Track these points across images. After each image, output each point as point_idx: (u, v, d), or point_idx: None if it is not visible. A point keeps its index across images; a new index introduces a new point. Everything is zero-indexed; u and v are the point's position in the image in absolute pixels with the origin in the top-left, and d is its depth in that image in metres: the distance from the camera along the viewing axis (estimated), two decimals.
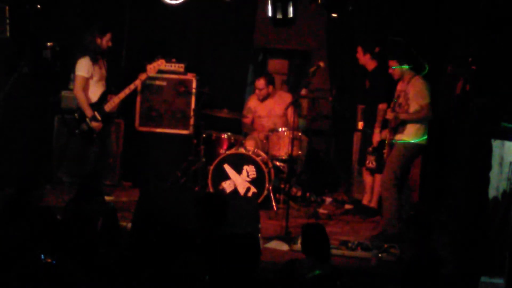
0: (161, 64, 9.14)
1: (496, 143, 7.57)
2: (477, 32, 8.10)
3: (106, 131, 8.89)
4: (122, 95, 8.82)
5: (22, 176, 7.62)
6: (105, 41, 8.74)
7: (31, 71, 9.45)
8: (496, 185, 7.52)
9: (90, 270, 5.05)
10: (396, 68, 8.36)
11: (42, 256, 4.93)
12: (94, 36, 8.70)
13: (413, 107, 8.25)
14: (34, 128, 9.80)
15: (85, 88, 8.70)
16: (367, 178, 9.39)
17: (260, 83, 9.98)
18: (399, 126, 8.35)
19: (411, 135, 8.31)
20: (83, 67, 8.65)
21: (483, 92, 7.97)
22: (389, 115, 8.40)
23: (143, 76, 9.00)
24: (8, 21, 9.08)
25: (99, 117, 8.71)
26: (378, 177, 9.23)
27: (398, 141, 8.35)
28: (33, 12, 9.41)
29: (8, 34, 9.14)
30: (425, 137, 8.35)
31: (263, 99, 10.03)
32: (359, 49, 9.27)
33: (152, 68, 9.03)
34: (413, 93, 8.23)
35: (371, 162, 9.10)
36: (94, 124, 8.69)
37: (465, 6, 8.45)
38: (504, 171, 7.45)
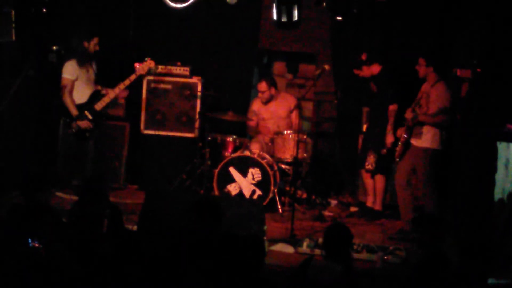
0: (150, 64, 9.36)
1: (501, 145, 7.57)
2: (481, 34, 8.09)
3: (95, 131, 9.04)
4: (112, 94, 9.03)
5: (28, 178, 7.61)
6: (92, 45, 8.93)
7: (37, 74, 9.47)
8: (501, 187, 7.52)
9: (91, 270, 5.07)
10: (422, 66, 8.44)
11: (30, 241, 4.95)
12: (81, 40, 8.89)
13: (432, 110, 8.33)
14: (39, 131, 9.82)
15: (71, 90, 8.90)
16: (368, 180, 9.39)
17: (262, 86, 10.00)
18: (415, 126, 8.41)
19: (429, 141, 8.37)
20: (68, 69, 8.90)
21: (488, 94, 7.96)
22: (408, 115, 8.47)
23: (132, 77, 9.14)
24: (13, 24, 9.10)
25: (90, 116, 8.87)
26: (378, 178, 9.26)
27: (417, 146, 8.41)
28: (39, 15, 9.43)
29: (13, 37, 9.16)
30: (441, 142, 8.42)
31: (266, 102, 10.04)
32: (355, 72, 9.36)
33: (140, 68, 9.19)
34: (435, 97, 8.35)
35: (370, 164, 9.11)
36: (80, 123, 8.88)
37: (470, 8, 8.44)
38: (510, 173, 7.46)
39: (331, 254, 5.46)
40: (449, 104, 8.36)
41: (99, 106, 9.00)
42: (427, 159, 8.45)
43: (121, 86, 9.05)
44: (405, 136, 8.51)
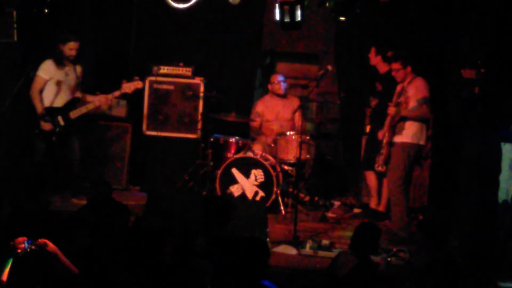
0: (138, 84, 9.12)
1: (506, 146, 7.54)
2: (486, 35, 8.06)
3: (69, 138, 8.90)
4: (91, 106, 8.92)
5: (30, 180, 7.60)
6: (66, 49, 8.76)
7: None
8: (506, 188, 7.49)
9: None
10: (400, 70, 8.39)
11: (26, 244, 4.94)
12: (58, 43, 8.78)
13: (412, 105, 8.29)
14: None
15: (41, 89, 8.74)
16: (372, 181, 9.33)
17: (281, 76, 10.11)
18: (397, 125, 8.38)
19: (410, 136, 8.34)
20: (43, 68, 8.76)
21: (493, 95, 7.93)
22: (392, 110, 8.42)
23: (116, 93, 9.01)
24: (15, 25, 9.08)
25: (62, 122, 8.74)
26: (385, 180, 9.20)
27: (398, 141, 8.38)
28: (41, 16, 9.40)
29: (15, 38, 9.14)
30: (424, 137, 8.39)
31: (284, 94, 10.04)
32: (372, 50, 9.27)
33: (127, 87, 9.02)
34: (413, 92, 8.34)
35: (380, 165, 9.02)
36: (43, 124, 8.72)
37: (475, 9, 8.41)
38: None
39: (352, 247, 5.94)
40: (428, 97, 8.31)
41: (74, 114, 8.84)
42: (405, 153, 8.38)
43: (103, 99, 8.94)
44: (389, 136, 8.46)
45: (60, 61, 8.76)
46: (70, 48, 8.76)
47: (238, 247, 4.87)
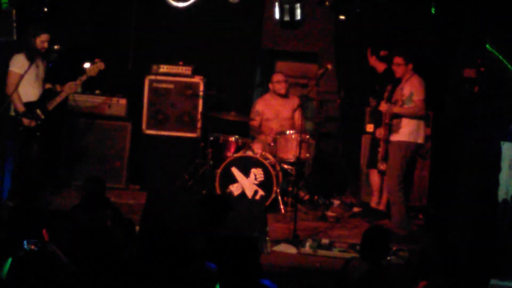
0: (100, 66, 8.94)
1: (505, 145, 7.54)
2: (486, 34, 8.06)
3: (47, 131, 8.82)
4: (63, 94, 8.82)
5: (29, 180, 7.61)
6: (39, 41, 8.61)
7: None
8: (505, 187, 7.49)
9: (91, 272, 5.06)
10: (401, 65, 8.40)
11: (25, 243, 4.94)
12: (29, 36, 8.64)
13: (406, 102, 8.30)
14: None
15: (17, 85, 8.51)
16: (375, 179, 9.31)
17: (280, 75, 10.11)
18: (393, 123, 8.37)
19: (406, 135, 8.34)
20: (17, 63, 8.58)
21: (492, 94, 7.94)
22: (383, 107, 8.44)
23: (83, 77, 8.90)
24: (15, 24, 9.06)
25: (42, 116, 8.65)
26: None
27: (394, 140, 8.39)
28: (40, 15, 9.39)
29: (15, 37, 9.13)
30: (421, 136, 8.39)
31: (284, 94, 10.02)
32: (368, 50, 9.29)
33: (91, 70, 8.93)
34: (408, 90, 8.33)
35: (381, 164, 9.00)
36: (25, 120, 8.58)
37: (474, 8, 8.41)
38: None
39: (361, 253, 5.70)
40: (423, 96, 8.33)
41: (51, 105, 8.73)
42: (402, 152, 8.38)
43: (72, 86, 8.82)
44: (385, 133, 8.47)
45: (32, 55, 8.60)
46: (42, 40, 8.61)
47: (228, 246, 4.87)
